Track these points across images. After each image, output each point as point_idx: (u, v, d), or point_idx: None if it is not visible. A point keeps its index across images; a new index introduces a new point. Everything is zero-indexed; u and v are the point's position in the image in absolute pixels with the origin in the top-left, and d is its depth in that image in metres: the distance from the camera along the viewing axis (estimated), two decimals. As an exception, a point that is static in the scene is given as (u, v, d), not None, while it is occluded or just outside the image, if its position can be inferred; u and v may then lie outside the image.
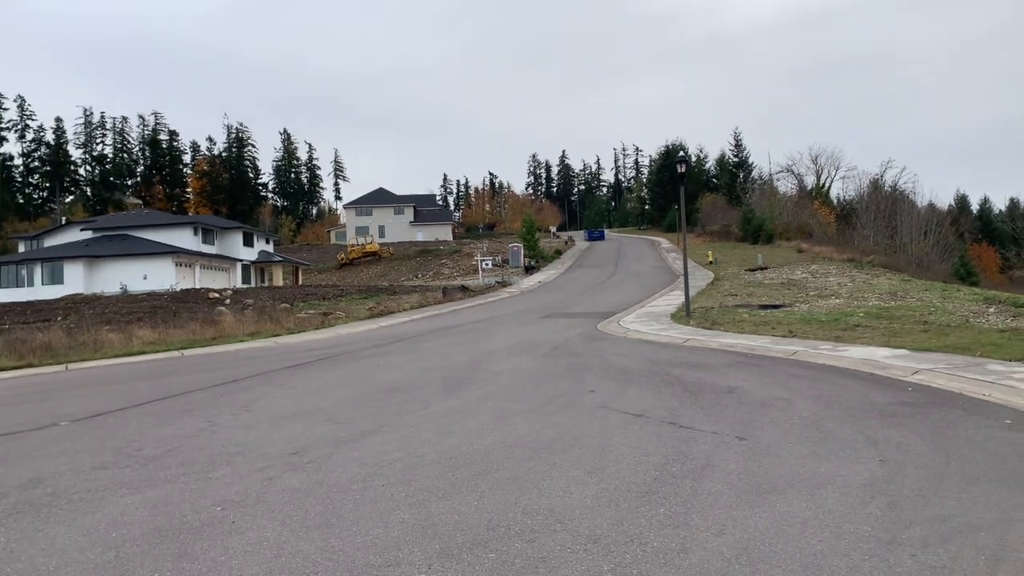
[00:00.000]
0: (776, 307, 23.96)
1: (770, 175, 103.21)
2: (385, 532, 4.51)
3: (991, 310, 19.96)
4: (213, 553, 4.26)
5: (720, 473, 5.51)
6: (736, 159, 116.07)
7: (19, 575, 4.08)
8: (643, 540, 4.20)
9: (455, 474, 5.77)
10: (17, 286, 49.04)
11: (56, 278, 48.53)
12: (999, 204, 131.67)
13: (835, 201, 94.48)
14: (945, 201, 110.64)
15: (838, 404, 8.18)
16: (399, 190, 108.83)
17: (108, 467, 6.52)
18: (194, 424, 8.42)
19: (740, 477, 5.39)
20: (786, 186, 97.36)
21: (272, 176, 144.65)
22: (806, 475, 5.38)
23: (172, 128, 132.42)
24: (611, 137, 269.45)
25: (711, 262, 53.34)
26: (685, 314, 21.77)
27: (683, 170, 23.30)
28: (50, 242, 58.00)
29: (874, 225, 70.23)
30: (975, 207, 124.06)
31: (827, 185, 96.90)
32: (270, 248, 67.03)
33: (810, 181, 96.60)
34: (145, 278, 48.14)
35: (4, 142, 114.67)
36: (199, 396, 10.67)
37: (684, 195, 25.01)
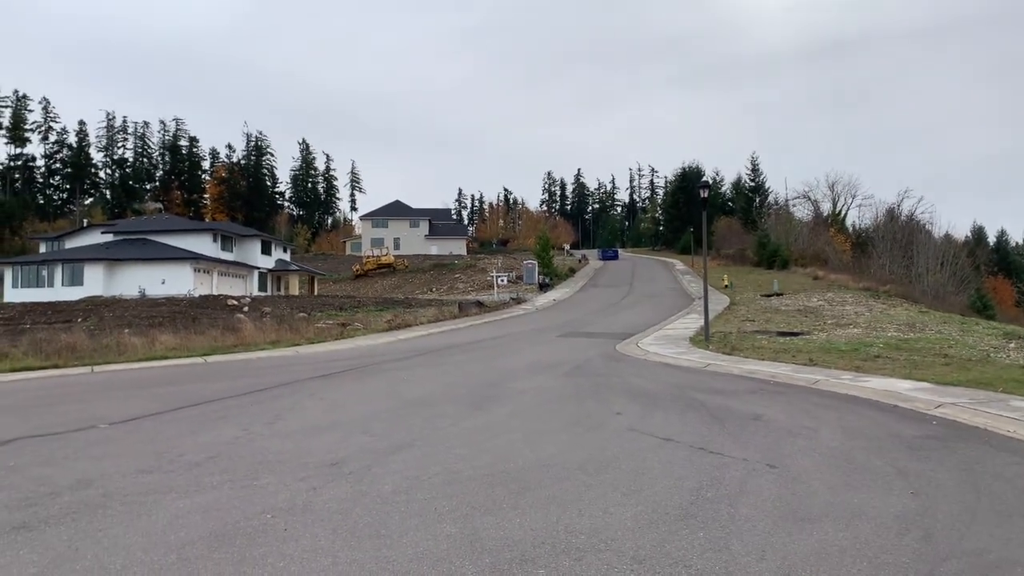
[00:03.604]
0: (795, 334, 23.98)
1: (786, 200, 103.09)
2: (435, 544, 4.66)
3: (1011, 345, 19.91)
4: (271, 559, 4.43)
5: (755, 499, 5.64)
6: (752, 183, 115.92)
7: (88, 572, 4.27)
8: (687, 562, 4.33)
9: (494, 491, 5.92)
10: (37, 286, 49.62)
11: (76, 279, 49.07)
12: (1016, 237, 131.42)
13: (851, 229, 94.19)
14: (962, 232, 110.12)
15: (864, 435, 8.28)
16: (415, 203, 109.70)
17: (153, 471, 6.72)
18: (230, 431, 8.62)
19: (775, 504, 5.52)
20: (802, 212, 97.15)
21: (289, 185, 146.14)
22: (840, 505, 5.50)
23: (192, 134, 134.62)
24: (626, 157, 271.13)
25: (727, 286, 53.20)
26: (704, 338, 21.84)
27: (706, 195, 23.42)
28: (71, 244, 58.75)
29: (890, 254, 69.94)
30: (992, 239, 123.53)
31: (843, 213, 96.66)
32: (287, 257, 67.53)
33: (826, 208, 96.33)
34: (163, 283, 48.63)
35: (27, 143, 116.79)
36: (230, 403, 10.88)
37: (706, 220, 25.16)
